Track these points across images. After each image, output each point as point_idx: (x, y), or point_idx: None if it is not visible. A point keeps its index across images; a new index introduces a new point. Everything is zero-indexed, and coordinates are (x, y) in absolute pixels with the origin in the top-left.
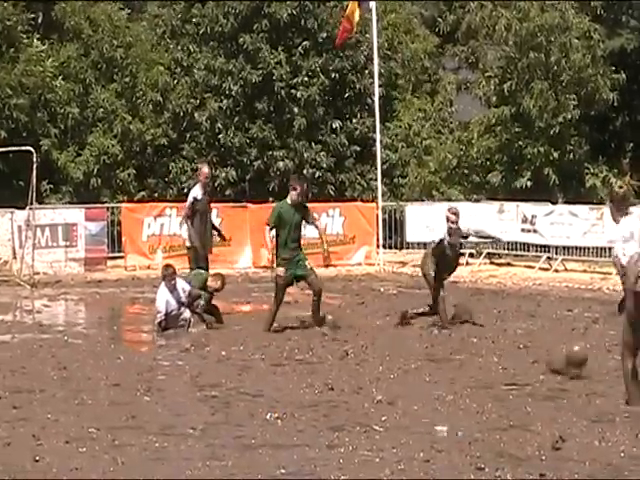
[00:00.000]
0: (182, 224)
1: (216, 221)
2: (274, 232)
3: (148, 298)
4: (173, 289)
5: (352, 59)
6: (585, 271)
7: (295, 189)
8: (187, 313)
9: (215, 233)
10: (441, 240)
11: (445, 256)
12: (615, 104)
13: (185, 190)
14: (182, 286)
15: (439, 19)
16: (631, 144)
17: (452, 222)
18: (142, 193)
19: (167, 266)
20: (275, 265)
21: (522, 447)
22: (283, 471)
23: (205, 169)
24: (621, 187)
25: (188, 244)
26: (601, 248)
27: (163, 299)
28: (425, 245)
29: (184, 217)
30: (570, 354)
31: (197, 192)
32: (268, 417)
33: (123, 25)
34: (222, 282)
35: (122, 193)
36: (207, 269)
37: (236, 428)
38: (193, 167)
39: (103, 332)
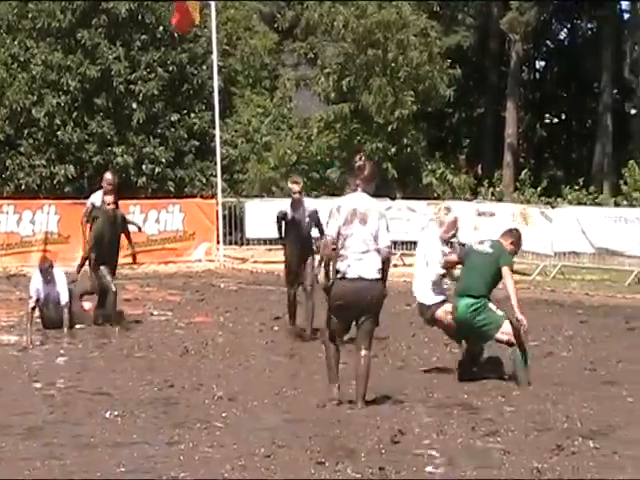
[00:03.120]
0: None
1: (54, 218)
2: None
3: None
4: (48, 281)
5: (190, 51)
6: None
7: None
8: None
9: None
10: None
11: None
12: (452, 100)
13: (23, 187)
14: (61, 280)
15: (278, 15)
16: (467, 140)
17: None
18: None
19: (43, 259)
20: None
21: (362, 441)
22: (123, 469)
23: (108, 175)
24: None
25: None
26: None
27: (34, 286)
28: (265, 241)
29: (81, 222)
30: None
31: (96, 198)
32: (107, 415)
33: None
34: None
35: None
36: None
37: (75, 427)
38: (31, 164)
39: None
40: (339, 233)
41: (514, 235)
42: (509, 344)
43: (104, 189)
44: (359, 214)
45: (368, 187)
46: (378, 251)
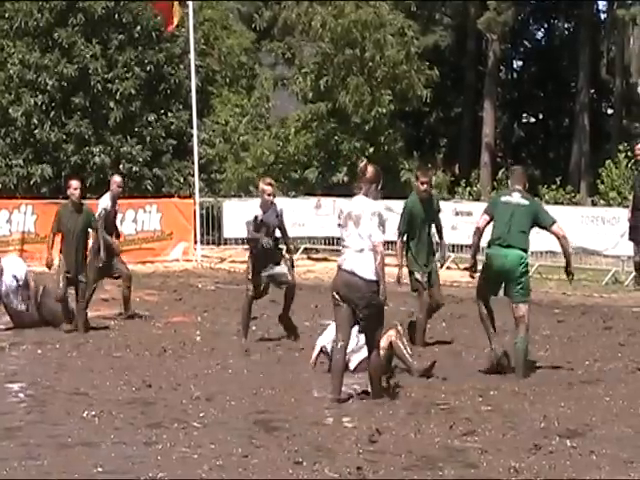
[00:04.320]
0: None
1: (31, 218)
2: None
3: None
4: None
5: (168, 51)
6: (398, 266)
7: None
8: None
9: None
10: None
11: None
12: (429, 100)
13: None
14: (14, 274)
15: (256, 15)
16: (445, 140)
17: None
18: None
19: None
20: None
21: (339, 441)
22: (100, 469)
23: (116, 178)
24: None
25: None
26: None
27: None
28: (243, 241)
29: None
30: None
31: (106, 202)
32: (85, 415)
33: None
34: None
35: None
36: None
37: (52, 427)
38: (7, 163)
39: None
40: (342, 237)
41: (523, 174)
42: (521, 321)
43: (115, 192)
44: (353, 217)
45: (370, 190)
46: (373, 251)
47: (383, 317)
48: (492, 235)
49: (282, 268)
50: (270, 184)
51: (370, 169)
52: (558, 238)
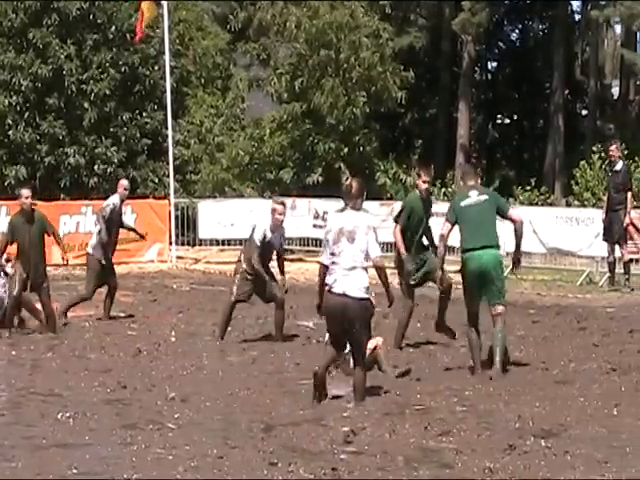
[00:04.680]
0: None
1: (5, 220)
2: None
3: None
4: None
5: (142, 52)
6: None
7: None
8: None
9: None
10: None
11: None
12: (404, 102)
13: None
14: None
15: (230, 16)
16: (420, 141)
17: None
18: None
19: None
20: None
21: (314, 441)
22: (75, 471)
23: (123, 181)
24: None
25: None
26: (391, 244)
27: None
28: (218, 242)
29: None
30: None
31: (115, 200)
32: (59, 416)
33: None
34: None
35: None
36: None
37: (27, 428)
38: None
39: None
40: (332, 253)
41: (474, 171)
42: (499, 318)
43: (121, 195)
44: (346, 232)
45: (356, 204)
46: (365, 269)
47: (370, 329)
48: (464, 241)
49: (272, 287)
50: (282, 203)
51: (355, 185)
52: (515, 223)
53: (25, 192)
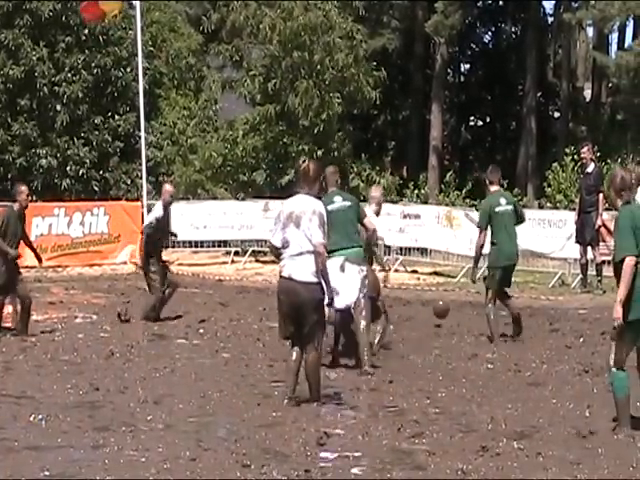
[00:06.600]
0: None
1: None
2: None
3: None
4: None
5: (115, 54)
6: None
7: None
8: None
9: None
10: None
11: None
12: (377, 103)
13: None
14: None
15: (204, 17)
16: (393, 143)
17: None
18: None
19: None
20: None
21: (287, 443)
22: (47, 473)
23: (168, 186)
24: None
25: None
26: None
27: None
28: (191, 243)
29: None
30: (435, 306)
31: (159, 212)
32: (32, 419)
33: None
34: None
35: None
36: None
37: None
38: None
39: None
40: (283, 238)
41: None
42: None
43: (167, 201)
44: (294, 217)
45: (311, 188)
46: (313, 253)
47: (324, 323)
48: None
49: None
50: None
51: (312, 167)
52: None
53: (25, 188)
